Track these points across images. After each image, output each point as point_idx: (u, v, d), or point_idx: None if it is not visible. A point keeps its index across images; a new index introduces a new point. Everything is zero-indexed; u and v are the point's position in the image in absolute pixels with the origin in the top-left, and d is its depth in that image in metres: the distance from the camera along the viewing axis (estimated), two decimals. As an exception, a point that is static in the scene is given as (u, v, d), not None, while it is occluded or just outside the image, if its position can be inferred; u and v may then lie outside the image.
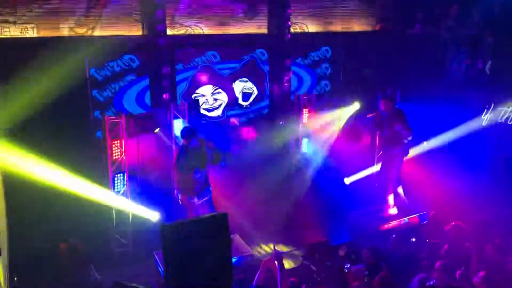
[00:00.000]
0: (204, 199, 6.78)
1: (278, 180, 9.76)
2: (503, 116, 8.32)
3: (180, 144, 6.81)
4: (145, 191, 7.86)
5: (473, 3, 8.99)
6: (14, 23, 7.81)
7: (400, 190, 8.25)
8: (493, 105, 8.46)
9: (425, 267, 5.43)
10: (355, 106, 9.87)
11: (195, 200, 6.67)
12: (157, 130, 8.14)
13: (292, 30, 10.29)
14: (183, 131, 6.61)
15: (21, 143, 7.26)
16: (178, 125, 7.72)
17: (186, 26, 9.38)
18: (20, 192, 7.20)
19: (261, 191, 8.84)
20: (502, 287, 4.96)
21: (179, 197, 6.90)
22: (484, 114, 8.62)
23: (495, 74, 8.80)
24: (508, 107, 8.23)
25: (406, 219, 7.86)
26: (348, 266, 5.38)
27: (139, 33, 8.91)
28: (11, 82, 7.50)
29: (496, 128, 8.38)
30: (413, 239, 6.50)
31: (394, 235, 6.49)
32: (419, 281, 4.83)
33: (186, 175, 6.50)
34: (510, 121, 8.19)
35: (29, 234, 7.50)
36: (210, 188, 6.88)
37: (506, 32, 8.46)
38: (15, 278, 5.99)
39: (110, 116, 7.27)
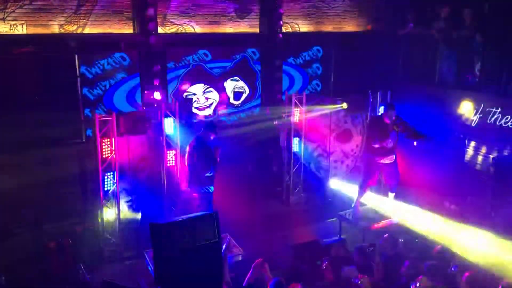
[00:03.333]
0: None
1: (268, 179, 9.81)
2: (492, 117, 8.39)
3: (202, 136, 6.84)
4: (135, 189, 7.82)
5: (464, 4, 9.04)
6: (3, 19, 7.72)
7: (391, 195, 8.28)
8: (482, 105, 8.53)
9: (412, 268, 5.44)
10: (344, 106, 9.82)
11: (212, 189, 6.84)
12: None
13: (283, 29, 10.30)
14: (210, 124, 6.79)
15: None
16: (169, 124, 7.73)
17: (178, 24, 9.35)
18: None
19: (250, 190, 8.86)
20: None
21: (192, 189, 6.96)
22: (473, 114, 8.69)
23: (485, 75, 8.86)
24: (497, 108, 8.30)
25: (395, 219, 7.90)
26: (324, 261, 5.36)
27: (130, 31, 8.85)
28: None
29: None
30: (401, 240, 6.52)
31: (386, 234, 6.51)
32: None
33: (203, 170, 6.66)
34: (499, 122, 8.26)
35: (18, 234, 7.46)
36: None
37: (496, 33, 8.52)
38: (3, 278, 5.94)
39: (100, 114, 7.23)
